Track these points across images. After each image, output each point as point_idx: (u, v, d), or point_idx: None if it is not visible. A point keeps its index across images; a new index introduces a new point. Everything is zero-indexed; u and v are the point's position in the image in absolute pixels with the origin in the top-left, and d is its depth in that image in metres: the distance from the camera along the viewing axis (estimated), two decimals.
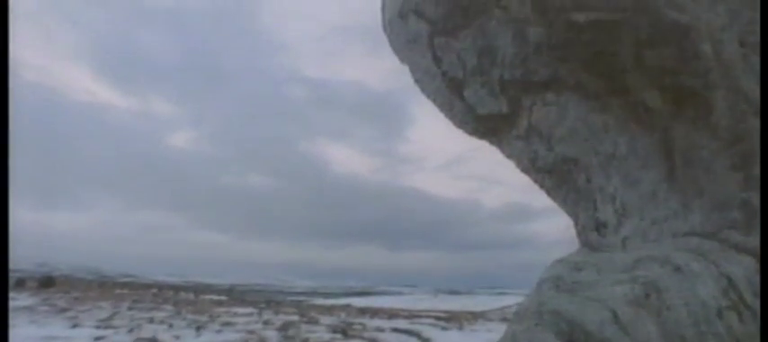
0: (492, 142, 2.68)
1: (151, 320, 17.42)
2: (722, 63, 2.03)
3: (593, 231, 2.42)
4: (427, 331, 17.21)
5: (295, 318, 20.15)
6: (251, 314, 21.14)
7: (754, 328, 1.76)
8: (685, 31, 2.03)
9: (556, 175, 2.51)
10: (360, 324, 18.60)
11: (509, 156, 2.65)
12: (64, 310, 19.67)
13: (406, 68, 2.89)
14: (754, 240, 1.92)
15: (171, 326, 16.19)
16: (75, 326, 15.55)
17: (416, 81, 2.79)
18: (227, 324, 17.23)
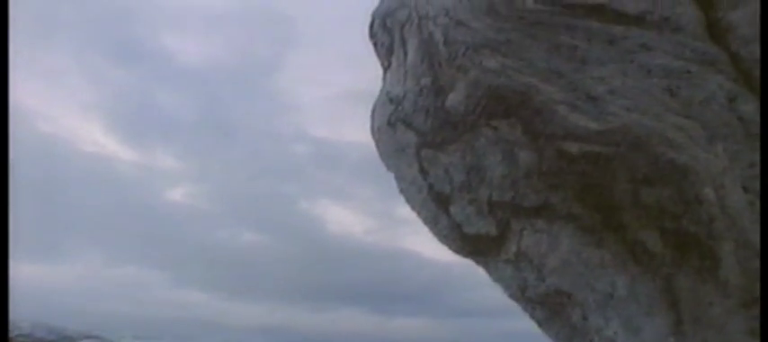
0: (478, 263, 2.46)
1: None
2: (727, 211, 1.85)
3: None
4: None
5: None
6: None
7: None
8: (684, 172, 1.88)
9: (548, 308, 2.26)
10: None
11: (496, 280, 2.41)
12: None
13: None
14: None
15: None
16: None
17: (401, 191, 2.62)
18: None
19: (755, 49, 2.68)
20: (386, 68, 2.98)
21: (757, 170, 1.97)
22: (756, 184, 1.94)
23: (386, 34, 2.98)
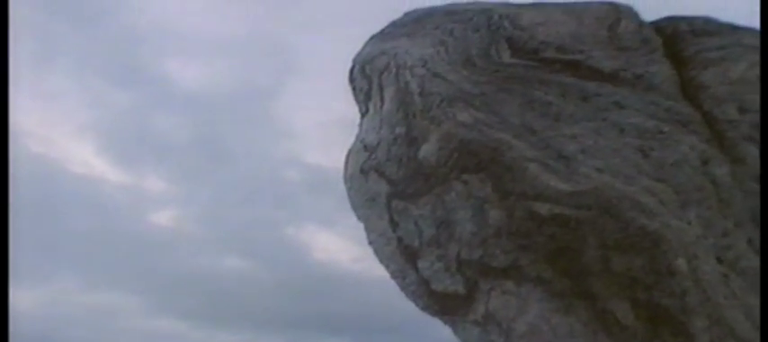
0: (445, 322, 2.28)
1: None
2: (700, 284, 1.71)
3: None
4: None
5: None
6: None
7: None
8: (655, 240, 1.74)
9: None
10: None
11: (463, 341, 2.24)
12: None
13: None
14: None
15: None
16: None
17: (370, 243, 2.47)
18: None
19: (728, 110, 2.60)
20: (363, 114, 2.87)
21: (731, 240, 1.84)
22: (729, 255, 1.81)
23: (364, 80, 2.89)
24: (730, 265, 1.79)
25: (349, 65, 3.04)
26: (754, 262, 1.80)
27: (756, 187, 2.00)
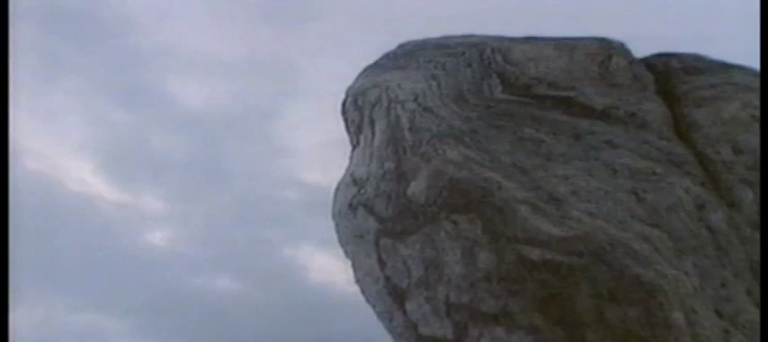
0: None
1: None
2: (699, 340, 1.59)
3: None
4: None
5: None
6: None
7: None
8: (651, 291, 1.63)
9: None
10: None
11: None
12: None
13: None
14: None
15: None
16: None
17: (357, 281, 2.35)
18: None
19: (722, 151, 2.51)
20: (354, 147, 2.79)
21: (730, 291, 1.73)
22: (729, 308, 1.69)
23: (356, 112, 2.82)
24: (730, 320, 1.67)
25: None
26: (755, 315, 1.69)
27: (753, 234, 1.90)
